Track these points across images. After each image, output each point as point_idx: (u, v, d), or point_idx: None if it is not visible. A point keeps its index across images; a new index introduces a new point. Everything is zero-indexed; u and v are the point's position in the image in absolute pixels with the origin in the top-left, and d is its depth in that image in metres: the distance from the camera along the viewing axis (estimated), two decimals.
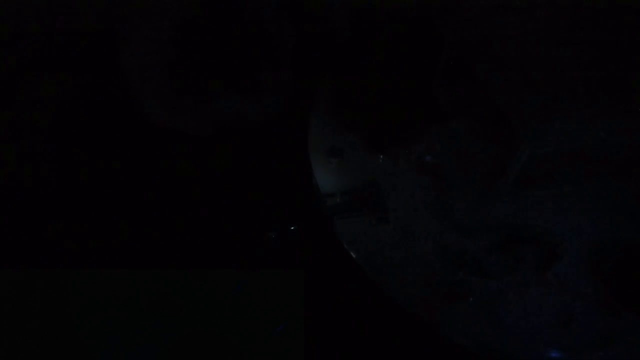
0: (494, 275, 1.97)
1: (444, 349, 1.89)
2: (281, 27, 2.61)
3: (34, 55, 2.78)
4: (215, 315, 2.03)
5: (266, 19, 2.59)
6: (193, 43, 2.55)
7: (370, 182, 2.22)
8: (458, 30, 2.23)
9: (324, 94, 2.54)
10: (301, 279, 2.09)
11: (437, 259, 2.02)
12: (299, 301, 2.06)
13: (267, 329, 2.01)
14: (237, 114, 2.64)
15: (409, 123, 2.36)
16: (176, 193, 2.45)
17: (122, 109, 2.64)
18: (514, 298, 1.92)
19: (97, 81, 2.74)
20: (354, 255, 2.03)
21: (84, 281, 2.11)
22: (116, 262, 2.18)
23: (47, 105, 2.71)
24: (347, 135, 2.38)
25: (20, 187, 2.46)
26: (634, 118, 1.96)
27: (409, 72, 2.42)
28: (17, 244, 2.28)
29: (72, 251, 2.24)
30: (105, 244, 2.27)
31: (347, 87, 2.51)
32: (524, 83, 1.96)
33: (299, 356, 1.97)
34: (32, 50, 2.77)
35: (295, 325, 2.02)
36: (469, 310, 1.90)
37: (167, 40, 2.55)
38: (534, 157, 1.97)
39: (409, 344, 2.00)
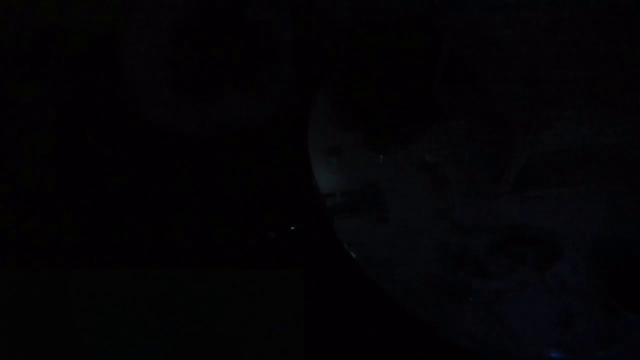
0: (494, 275, 1.97)
1: (444, 349, 1.89)
2: (281, 27, 2.61)
3: (34, 55, 2.77)
4: (215, 315, 2.03)
5: (266, 19, 2.59)
6: (193, 43, 2.55)
7: (370, 182, 2.22)
8: (458, 30, 2.23)
9: (324, 94, 2.54)
10: (301, 279, 2.09)
11: (437, 259, 2.02)
12: (299, 301, 2.06)
13: (267, 329, 2.01)
14: (237, 114, 2.64)
15: (408, 123, 2.36)
16: (176, 193, 2.45)
17: (122, 109, 2.64)
18: (514, 298, 1.92)
19: (97, 81, 2.74)
20: (354, 255, 2.03)
21: (84, 281, 2.11)
22: (116, 262, 2.18)
23: (47, 105, 2.70)
24: (347, 135, 2.38)
25: (21, 187, 2.46)
26: (634, 118, 1.96)
27: (409, 72, 2.42)
28: (17, 244, 2.28)
29: (72, 251, 2.24)
30: (105, 244, 2.27)
31: (347, 87, 2.51)
32: (524, 83, 1.96)
33: (299, 356, 1.97)
34: (32, 50, 2.77)
35: (295, 325, 2.02)
36: (469, 310, 1.90)
37: (167, 40, 2.54)
38: (534, 157, 1.97)
39: (409, 344, 2.00)
